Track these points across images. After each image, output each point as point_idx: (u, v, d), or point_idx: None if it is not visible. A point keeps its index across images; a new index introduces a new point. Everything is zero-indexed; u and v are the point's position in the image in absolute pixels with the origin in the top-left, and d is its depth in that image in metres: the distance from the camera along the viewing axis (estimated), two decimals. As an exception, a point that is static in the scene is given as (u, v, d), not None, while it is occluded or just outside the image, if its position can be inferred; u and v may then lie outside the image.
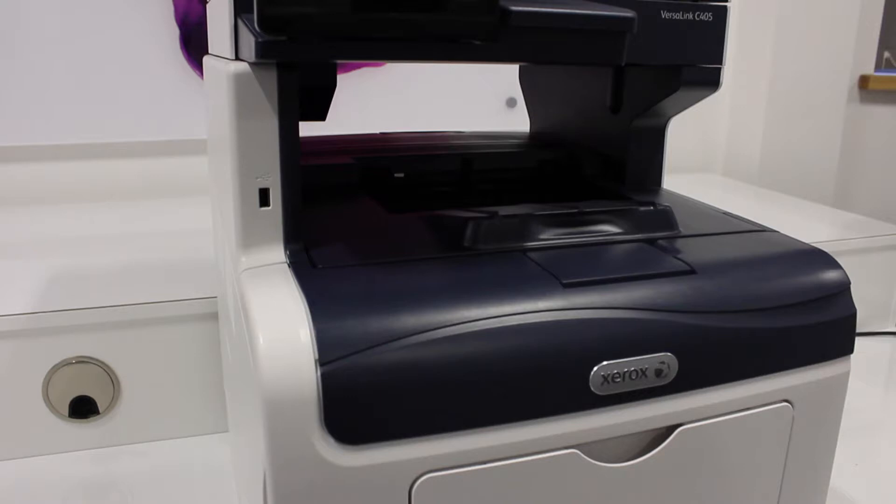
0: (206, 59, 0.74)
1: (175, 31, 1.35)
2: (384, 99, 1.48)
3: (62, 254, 1.03)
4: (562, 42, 0.49)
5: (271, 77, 0.48)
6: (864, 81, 1.92)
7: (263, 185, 0.50)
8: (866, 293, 1.25)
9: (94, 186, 1.38)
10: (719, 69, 0.66)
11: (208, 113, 0.74)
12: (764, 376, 0.54)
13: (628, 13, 0.50)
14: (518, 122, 0.94)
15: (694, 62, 0.64)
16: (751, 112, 1.79)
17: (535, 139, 0.88)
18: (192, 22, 1.36)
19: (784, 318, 0.54)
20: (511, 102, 1.54)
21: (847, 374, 0.58)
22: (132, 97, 1.36)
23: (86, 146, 1.35)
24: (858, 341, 1.22)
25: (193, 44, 1.36)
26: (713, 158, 1.87)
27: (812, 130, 1.81)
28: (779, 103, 1.76)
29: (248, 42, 0.46)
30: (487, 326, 0.45)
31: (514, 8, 0.46)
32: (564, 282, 0.49)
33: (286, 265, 0.50)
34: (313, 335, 0.42)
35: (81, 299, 0.85)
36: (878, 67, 1.99)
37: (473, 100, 1.53)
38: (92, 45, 1.32)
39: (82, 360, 0.85)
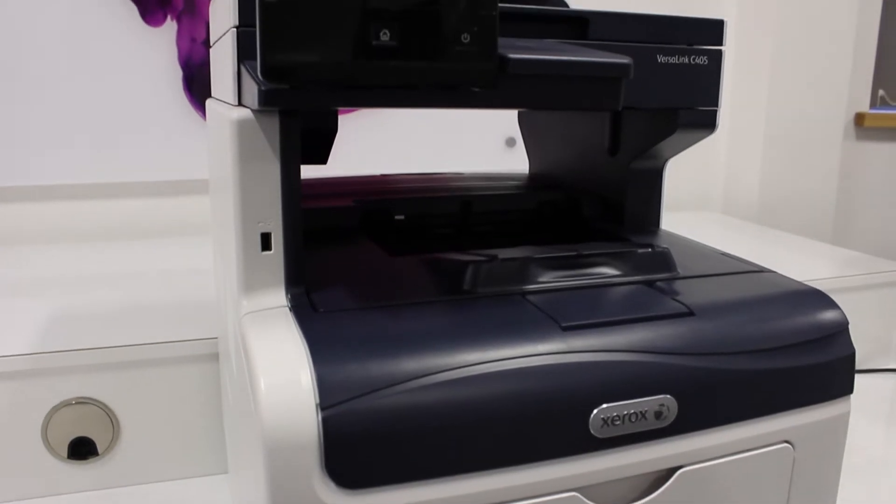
0: (208, 102, 0.75)
1: (178, 73, 1.37)
2: (384, 137, 1.49)
3: (63, 293, 1.03)
4: (559, 89, 0.50)
5: (274, 123, 0.49)
6: (859, 119, 1.94)
7: (265, 230, 0.51)
8: (867, 330, 1.25)
9: (96, 226, 1.38)
10: (715, 111, 0.67)
11: (210, 154, 0.75)
12: (764, 417, 0.54)
13: (624, 59, 0.51)
14: (518, 160, 0.95)
15: (690, 105, 0.65)
16: (748, 149, 1.80)
17: (535, 180, 0.89)
18: (194, 64, 1.37)
19: (783, 359, 0.54)
20: (510, 142, 1.56)
21: (847, 414, 0.58)
22: (135, 137, 1.37)
23: (89, 186, 1.36)
24: (859, 378, 1.22)
25: (196, 85, 1.38)
26: (712, 196, 1.88)
27: (809, 167, 1.83)
28: (776, 141, 1.78)
29: (252, 90, 0.47)
30: (487, 370, 0.45)
31: (512, 56, 0.46)
32: (564, 325, 0.49)
33: (287, 309, 0.50)
34: (314, 380, 0.43)
35: (81, 340, 0.85)
36: (873, 105, 2.01)
37: (473, 139, 1.55)
38: (96, 85, 1.33)
39: (82, 402, 0.84)
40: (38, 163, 1.33)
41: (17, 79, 1.30)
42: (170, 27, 1.36)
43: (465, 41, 0.45)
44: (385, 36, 0.43)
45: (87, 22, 1.31)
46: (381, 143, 1.48)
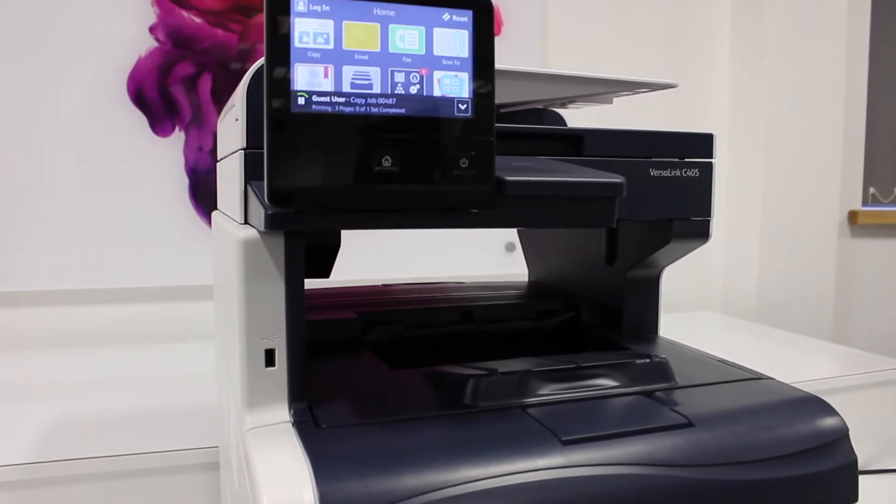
0: (214, 214, 0.77)
1: (185, 181, 1.40)
2: (386, 242, 1.51)
3: (63, 399, 1.03)
4: (555, 208, 0.52)
5: (279, 243, 0.51)
6: (853, 217, 1.97)
7: (269, 346, 0.52)
8: (870, 429, 1.25)
9: (99, 331, 1.39)
10: (708, 221, 0.69)
11: (215, 264, 0.76)
12: (767, 529, 0.54)
13: (617, 179, 0.53)
14: (517, 264, 0.97)
15: (684, 216, 0.67)
16: (745, 249, 1.83)
17: (534, 289, 0.90)
18: (200, 171, 1.41)
19: (783, 468, 0.54)
20: (510, 247, 1.58)
21: (852, 522, 0.58)
22: (140, 243, 1.39)
23: (92, 291, 1.38)
24: (864, 479, 1.20)
25: (201, 192, 1.41)
26: (711, 296, 1.90)
27: (807, 265, 1.85)
28: (772, 240, 1.80)
29: (258, 212, 0.49)
30: (488, 486, 0.45)
31: (509, 178, 0.48)
32: (563, 439, 0.50)
33: (290, 424, 0.51)
34: (317, 497, 0.43)
35: (80, 448, 0.85)
36: (865, 202, 2.04)
37: (473, 245, 1.57)
38: (102, 191, 1.36)
39: (81, 513, 0.84)
40: (41, 268, 1.35)
41: (25, 184, 1.33)
42: (177, 137, 1.40)
43: (464, 165, 0.47)
44: (387, 162, 0.45)
45: (97, 130, 1.35)
46: (383, 247, 1.51)
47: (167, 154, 1.39)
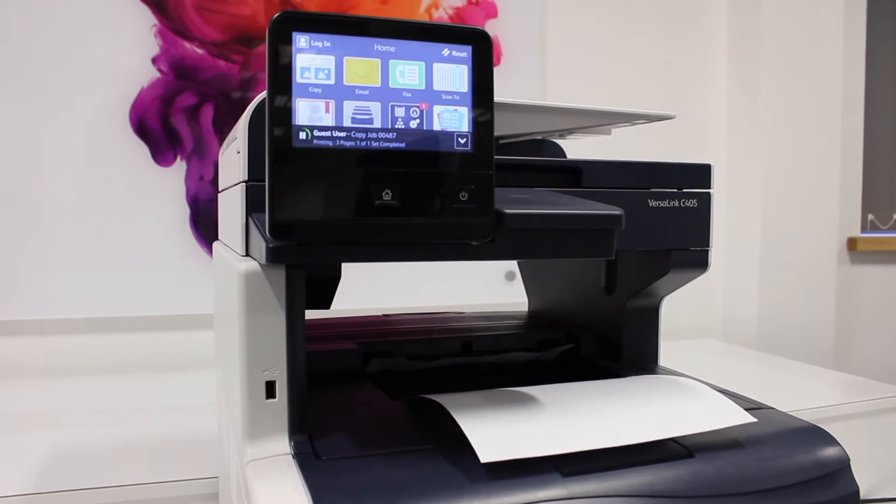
0: (216, 245, 0.77)
1: (186, 210, 1.41)
2: (387, 270, 1.51)
3: (63, 429, 1.03)
4: (554, 240, 0.52)
5: (280, 276, 0.51)
6: (852, 244, 1.98)
7: (270, 378, 0.52)
8: (872, 457, 1.24)
9: (99, 360, 1.39)
10: (707, 251, 0.69)
11: (216, 294, 0.77)
12: (768, 561, 0.53)
13: (616, 211, 0.53)
14: (517, 293, 0.98)
15: (682, 246, 0.67)
16: (745, 277, 1.83)
17: (534, 318, 0.90)
18: (202, 201, 1.41)
19: (784, 499, 0.54)
20: (510, 276, 1.58)
21: (855, 555, 0.58)
22: (142, 272, 1.40)
23: (93, 320, 1.38)
24: (868, 510, 1.20)
25: (202, 222, 1.42)
26: (711, 323, 1.90)
27: (807, 292, 1.85)
28: (772, 267, 1.80)
29: (259, 245, 0.49)
30: (489, 519, 0.45)
31: (508, 211, 0.49)
32: (564, 470, 0.50)
33: (291, 456, 0.51)
34: (317, 531, 0.43)
35: (78, 479, 0.85)
36: (864, 229, 2.05)
37: (473, 274, 1.57)
38: (105, 220, 1.37)
39: (80, 545, 0.83)
40: (43, 297, 1.35)
41: (26, 212, 1.33)
42: (179, 167, 1.40)
43: (464, 198, 0.47)
44: (387, 195, 0.46)
45: (99, 160, 1.36)
46: (384, 276, 1.51)
47: (169, 183, 1.40)
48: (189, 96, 1.40)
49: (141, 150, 1.39)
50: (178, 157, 1.41)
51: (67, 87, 1.34)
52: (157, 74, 1.39)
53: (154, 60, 1.38)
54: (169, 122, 1.40)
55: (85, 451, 0.94)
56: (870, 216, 2.08)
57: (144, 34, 1.38)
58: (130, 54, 1.38)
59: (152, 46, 1.38)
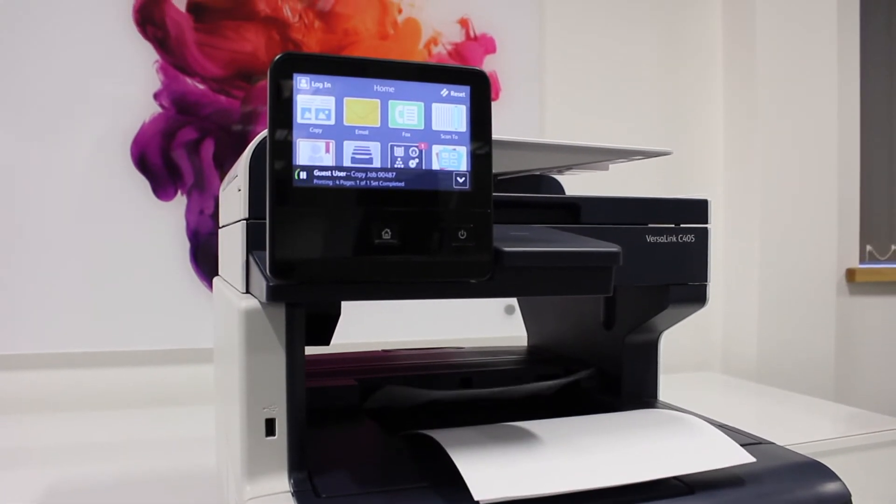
0: (216, 280, 0.78)
1: (186, 245, 1.41)
2: (385, 306, 1.51)
3: (62, 463, 1.03)
4: (552, 278, 0.53)
5: (280, 314, 0.51)
6: (851, 275, 1.98)
7: (270, 416, 0.52)
8: (874, 490, 1.23)
9: (98, 394, 1.39)
10: (705, 286, 0.69)
11: (216, 330, 0.77)
12: None
13: (614, 248, 0.53)
14: (516, 327, 0.98)
15: (680, 281, 0.68)
16: (744, 309, 1.83)
17: (533, 353, 0.90)
18: (202, 235, 1.42)
19: (786, 536, 0.54)
20: (509, 310, 1.59)
21: (856, 593, 0.57)
22: (142, 306, 1.40)
23: (92, 354, 1.38)
24: (871, 544, 1.19)
25: (202, 256, 1.42)
26: (711, 356, 1.89)
27: (806, 324, 1.85)
28: (771, 300, 1.80)
29: (259, 283, 0.50)
30: (489, 558, 0.45)
31: (506, 249, 0.49)
32: (564, 508, 0.49)
33: (290, 494, 0.51)
34: (316, 571, 0.43)
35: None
36: (862, 260, 2.06)
37: (473, 308, 1.57)
38: (105, 254, 1.37)
39: (77, 583, 0.83)
40: (43, 330, 1.35)
41: (26, 246, 1.33)
42: (179, 201, 1.41)
43: (462, 237, 0.47)
44: (387, 234, 0.46)
45: (100, 194, 1.37)
46: (383, 311, 1.51)
47: (169, 218, 1.41)
48: (190, 131, 1.41)
49: (142, 184, 1.39)
50: (179, 192, 1.41)
51: (69, 121, 1.35)
52: (159, 109, 1.40)
53: (156, 96, 1.40)
54: (170, 157, 1.41)
55: (83, 487, 0.94)
56: (868, 247, 2.08)
57: (147, 70, 1.39)
58: (132, 89, 1.39)
59: (154, 82, 1.40)
